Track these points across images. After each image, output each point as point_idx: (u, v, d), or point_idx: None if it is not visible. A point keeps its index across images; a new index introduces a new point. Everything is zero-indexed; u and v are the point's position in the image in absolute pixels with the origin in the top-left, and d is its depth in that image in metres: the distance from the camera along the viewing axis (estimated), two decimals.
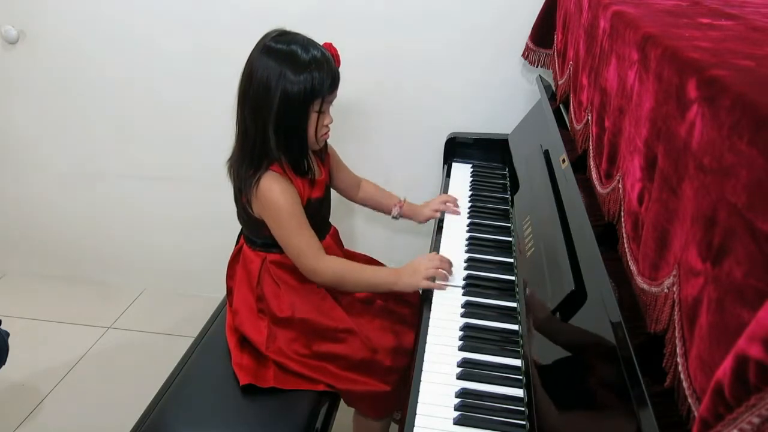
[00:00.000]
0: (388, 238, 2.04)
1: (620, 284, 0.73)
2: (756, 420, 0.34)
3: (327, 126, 1.23)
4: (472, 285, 1.19)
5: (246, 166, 1.18)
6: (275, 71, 1.13)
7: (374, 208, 1.53)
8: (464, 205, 1.51)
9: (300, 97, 1.14)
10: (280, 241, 1.21)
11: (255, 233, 1.27)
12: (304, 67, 1.14)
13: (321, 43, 1.20)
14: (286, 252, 1.22)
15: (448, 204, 1.49)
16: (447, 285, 1.20)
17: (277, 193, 1.17)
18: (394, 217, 1.50)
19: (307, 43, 1.17)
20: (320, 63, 1.16)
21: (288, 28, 1.21)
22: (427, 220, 1.50)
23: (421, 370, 0.98)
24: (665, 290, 0.58)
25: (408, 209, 1.49)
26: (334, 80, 1.18)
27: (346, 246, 1.44)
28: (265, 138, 1.16)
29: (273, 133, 1.16)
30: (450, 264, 1.22)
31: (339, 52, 1.23)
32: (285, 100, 1.13)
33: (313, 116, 1.18)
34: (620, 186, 0.80)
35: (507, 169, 1.70)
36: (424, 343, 1.04)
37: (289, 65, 1.13)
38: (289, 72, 1.13)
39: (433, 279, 1.19)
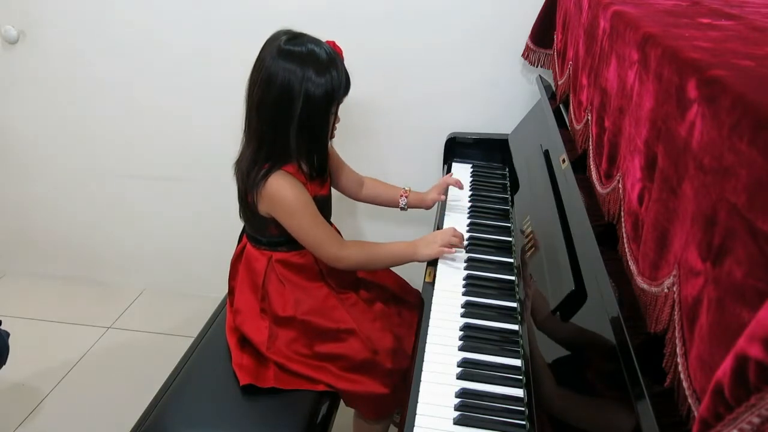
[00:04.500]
0: (391, 235, 2.04)
1: (620, 284, 0.73)
2: (756, 420, 0.34)
3: (335, 126, 1.24)
4: (472, 285, 1.19)
5: (258, 168, 1.17)
6: (297, 74, 1.11)
7: (381, 204, 1.53)
8: (464, 205, 1.51)
9: (323, 99, 1.14)
10: (298, 236, 1.21)
11: (260, 232, 1.26)
12: (326, 68, 1.13)
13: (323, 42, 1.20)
14: (306, 246, 1.23)
15: (450, 182, 1.49)
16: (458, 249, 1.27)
17: (288, 191, 1.17)
18: (402, 208, 1.50)
19: (319, 43, 1.17)
20: (336, 63, 1.15)
21: (288, 28, 1.20)
22: (433, 203, 1.51)
23: (421, 370, 0.98)
24: (665, 290, 0.58)
25: (414, 198, 1.50)
26: (348, 80, 1.18)
27: None
28: (285, 142, 1.15)
29: (295, 137, 1.15)
30: (461, 236, 1.28)
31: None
32: (308, 103, 1.12)
33: (331, 119, 1.19)
34: (620, 186, 0.80)
35: (507, 169, 1.70)
36: (424, 343, 1.04)
37: (311, 67, 1.12)
38: (312, 74, 1.11)
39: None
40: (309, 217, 1.20)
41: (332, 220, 1.39)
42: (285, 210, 1.18)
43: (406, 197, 1.48)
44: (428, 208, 1.51)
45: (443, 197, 1.49)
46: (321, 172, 1.24)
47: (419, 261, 1.27)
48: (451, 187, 1.57)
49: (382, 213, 1.79)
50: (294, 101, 1.12)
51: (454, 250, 1.25)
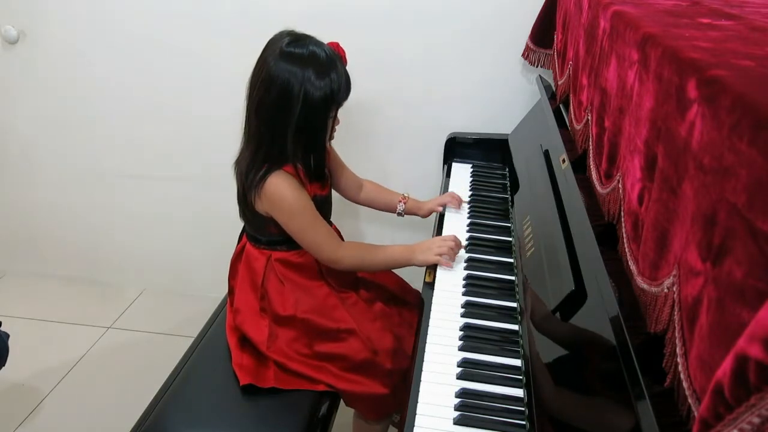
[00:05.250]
0: (392, 236, 2.04)
1: (620, 284, 0.73)
2: (756, 420, 0.34)
3: (335, 129, 1.24)
4: (472, 285, 1.19)
5: (256, 169, 1.17)
6: (298, 76, 1.11)
7: (378, 208, 1.53)
8: (464, 205, 1.51)
9: (322, 101, 1.13)
10: (296, 237, 1.21)
11: (260, 231, 1.26)
12: (326, 71, 1.13)
13: (325, 43, 1.20)
14: (304, 246, 1.23)
15: (451, 201, 1.49)
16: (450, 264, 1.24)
17: (287, 191, 1.17)
18: (399, 214, 1.50)
19: (321, 45, 1.16)
20: (337, 66, 1.15)
21: (291, 29, 1.20)
22: (430, 213, 1.50)
23: (421, 370, 0.98)
24: (665, 290, 0.58)
25: (411, 204, 1.49)
26: (348, 83, 1.18)
27: None
28: (283, 145, 1.15)
29: (292, 140, 1.15)
30: (460, 245, 1.27)
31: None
32: (307, 106, 1.12)
33: (330, 122, 1.19)
34: (620, 186, 0.80)
35: (507, 169, 1.70)
36: (424, 343, 1.04)
37: (311, 69, 1.11)
38: (313, 76, 1.11)
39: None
40: (307, 217, 1.20)
41: (332, 219, 1.39)
42: (283, 210, 1.18)
43: (404, 203, 1.48)
44: (424, 216, 1.51)
45: (440, 209, 1.49)
46: (319, 175, 1.24)
47: (415, 266, 1.27)
48: (451, 184, 1.57)
49: (382, 216, 1.78)
50: (293, 103, 1.12)
51: (451, 263, 1.23)
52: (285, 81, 1.11)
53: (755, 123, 0.42)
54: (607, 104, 0.91)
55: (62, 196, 2.17)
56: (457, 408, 0.91)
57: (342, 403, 1.28)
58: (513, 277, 1.21)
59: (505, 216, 1.46)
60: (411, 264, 1.27)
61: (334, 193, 1.40)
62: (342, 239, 1.42)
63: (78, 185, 2.14)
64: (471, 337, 1.05)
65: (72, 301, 2.22)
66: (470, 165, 1.76)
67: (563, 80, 1.39)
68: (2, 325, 1.37)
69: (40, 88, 2.00)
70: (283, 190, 1.16)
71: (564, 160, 1.15)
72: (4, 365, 1.33)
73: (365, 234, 2.08)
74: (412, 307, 1.38)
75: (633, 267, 0.70)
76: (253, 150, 1.18)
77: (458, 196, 1.51)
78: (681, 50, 0.61)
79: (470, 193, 1.58)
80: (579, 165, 1.08)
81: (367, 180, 1.50)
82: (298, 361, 1.21)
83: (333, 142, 1.36)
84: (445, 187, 1.63)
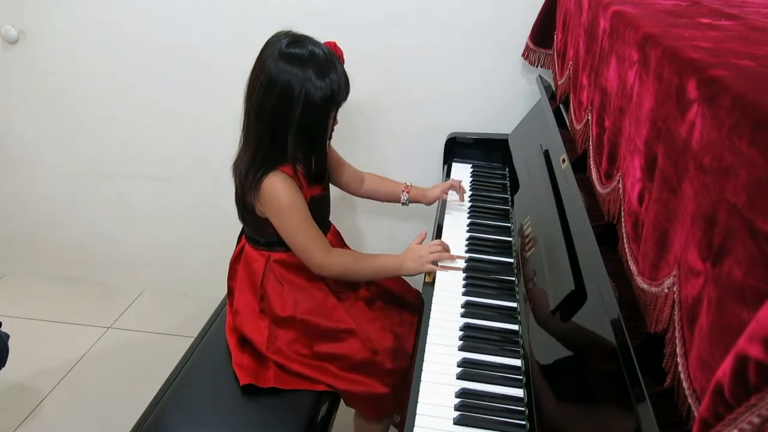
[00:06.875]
0: (392, 236, 2.04)
1: (620, 284, 0.73)
2: (756, 420, 0.34)
3: (333, 128, 1.24)
4: (472, 285, 1.19)
5: (255, 170, 1.17)
6: (298, 77, 1.10)
7: (381, 199, 1.52)
8: (464, 205, 1.51)
9: (323, 102, 1.13)
10: (287, 239, 1.21)
11: (258, 232, 1.26)
12: (326, 72, 1.12)
13: (323, 43, 1.20)
14: (293, 249, 1.22)
15: (453, 188, 1.49)
16: (449, 267, 1.23)
17: (281, 191, 1.16)
18: (404, 203, 1.49)
19: (320, 45, 1.16)
20: (336, 66, 1.15)
21: (288, 30, 1.20)
22: (435, 200, 1.50)
23: (421, 370, 0.98)
24: (665, 290, 0.58)
25: (415, 192, 1.49)
26: (347, 83, 1.18)
27: (350, 244, 1.45)
28: (283, 146, 1.15)
29: (293, 141, 1.15)
30: (448, 248, 1.27)
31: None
32: (308, 107, 1.12)
33: (330, 122, 1.19)
34: (620, 186, 0.80)
35: (507, 169, 1.70)
36: (424, 343, 1.04)
37: (311, 70, 1.11)
38: (313, 77, 1.11)
39: (435, 263, 1.23)
40: (299, 220, 1.19)
41: (332, 219, 1.39)
42: (276, 211, 1.18)
43: (407, 192, 1.48)
44: (429, 203, 1.51)
45: (446, 196, 1.49)
46: (319, 177, 1.24)
47: (404, 275, 1.27)
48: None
49: (381, 211, 1.78)
50: (294, 104, 1.12)
51: (449, 270, 1.23)
52: (285, 82, 1.11)
53: (755, 123, 0.42)
54: (607, 104, 0.91)
55: (62, 196, 2.17)
56: (457, 408, 0.91)
57: (342, 403, 1.28)
58: (513, 278, 1.21)
59: (505, 216, 1.46)
60: (401, 273, 1.26)
61: (332, 191, 1.39)
62: (342, 239, 1.42)
63: (78, 185, 2.14)
64: (471, 337, 1.05)
65: (72, 301, 2.22)
66: (470, 165, 1.76)
67: (563, 80, 1.39)
68: (2, 325, 1.37)
69: (40, 88, 2.00)
70: (277, 190, 1.16)
71: (564, 160, 1.15)
72: (4, 365, 1.33)
73: (364, 230, 2.08)
74: (412, 307, 1.38)
75: (633, 267, 0.70)
76: (252, 152, 1.18)
77: (459, 183, 1.50)
78: (681, 50, 0.61)
79: (470, 193, 1.58)
80: (579, 165, 1.08)
81: (367, 173, 1.50)
82: (297, 362, 1.21)
83: (333, 141, 1.36)
84: None
